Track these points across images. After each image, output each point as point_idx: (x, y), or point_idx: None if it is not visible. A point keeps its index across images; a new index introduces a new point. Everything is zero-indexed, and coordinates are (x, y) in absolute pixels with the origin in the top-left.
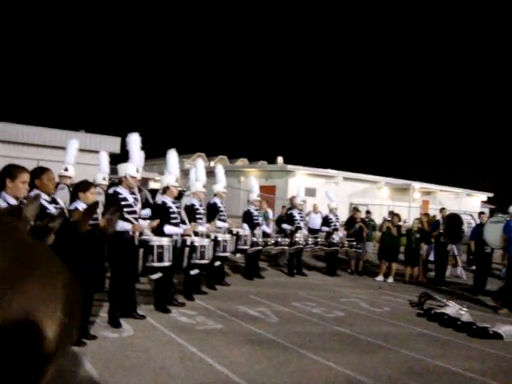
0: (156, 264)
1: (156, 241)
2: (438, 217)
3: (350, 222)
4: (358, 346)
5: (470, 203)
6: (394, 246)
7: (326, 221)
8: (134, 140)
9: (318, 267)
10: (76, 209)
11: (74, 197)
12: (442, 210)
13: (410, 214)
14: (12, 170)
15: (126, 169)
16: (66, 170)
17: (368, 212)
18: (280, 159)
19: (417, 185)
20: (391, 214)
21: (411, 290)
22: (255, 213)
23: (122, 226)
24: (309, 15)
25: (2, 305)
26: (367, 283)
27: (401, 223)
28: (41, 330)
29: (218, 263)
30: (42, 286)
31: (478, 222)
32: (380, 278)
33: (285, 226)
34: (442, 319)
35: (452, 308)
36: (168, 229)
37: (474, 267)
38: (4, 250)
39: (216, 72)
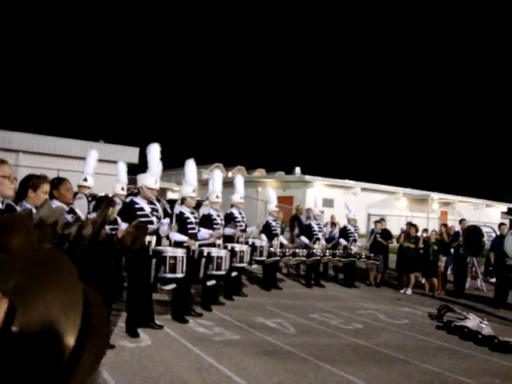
0: (169, 275)
1: (169, 252)
2: (458, 228)
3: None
4: (377, 358)
5: (489, 214)
6: (412, 257)
7: (344, 232)
8: (154, 151)
9: (335, 278)
10: None
11: (95, 209)
12: (462, 221)
13: (428, 225)
14: (34, 181)
15: (143, 180)
16: (85, 180)
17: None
18: (298, 170)
19: (435, 195)
20: (408, 224)
21: (430, 303)
22: (273, 223)
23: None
24: (328, 22)
25: (24, 315)
26: (385, 295)
27: (419, 234)
28: (62, 340)
29: (234, 274)
30: (62, 297)
31: (498, 233)
32: (408, 290)
33: (303, 238)
34: (462, 332)
35: (472, 321)
36: (176, 236)
37: (492, 279)
38: (25, 260)
39: (235, 83)
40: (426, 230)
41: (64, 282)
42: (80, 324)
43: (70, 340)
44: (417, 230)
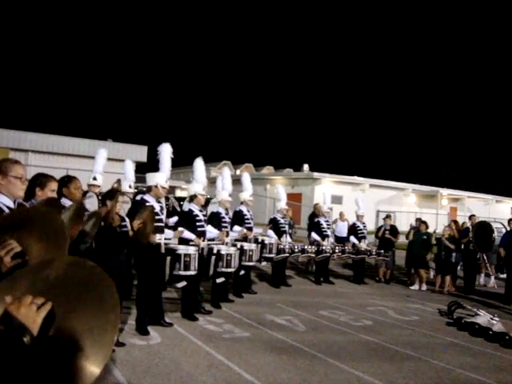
0: (182, 272)
1: (183, 249)
2: (468, 224)
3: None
4: (387, 355)
5: (499, 210)
6: (421, 253)
7: (353, 229)
8: (166, 150)
9: (345, 275)
10: None
11: (103, 204)
12: (472, 216)
13: (437, 222)
14: (41, 179)
15: (157, 178)
16: (94, 178)
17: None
18: (306, 167)
19: (444, 191)
20: (418, 221)
21: (440, 299)
22: (282, 220)
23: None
24: (336, 19)
25: (61, 327)
26: (394, 291)
27: (429, 230)
28: (94, 358)
29: (242, 272)
30: (101, 316)
31: (509, 228)
32: (423, 286)
33: (313, 234)
34: (472, 329)
35: (483, 317)
36: (185, 234)
37: (502, 275)
38: (66, 273)
39: (242, 81)
40: (448, 227)
41: (104, 303)
42: (114, 342)
43: (103, 359)
44: (427, 227)
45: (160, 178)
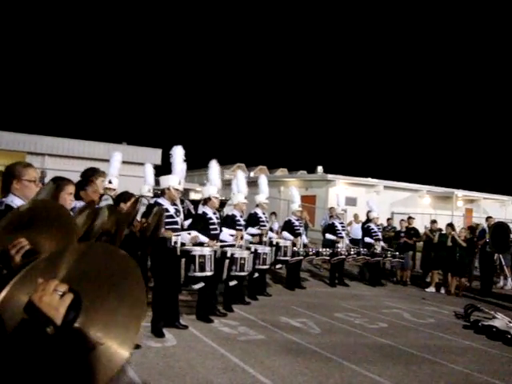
0: (198, 274)
1: (198, 250)
2: (484, 225)
3: (397, 235)
4: (403, 358)
5: None
6: (438, 255)
7: (367, 231)
8: (178, 153)
9: (359, 277)
10: None
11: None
12: (489, 218)
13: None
14: (58, 182)
15: (169, 181)
16: (109, 182)
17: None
18: (320, 168)
19: (460, 193)
20: (433, 222)
21: (456, 302)
22: (296, 223)
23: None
24: (344, 20)
25: (87, 317)
26: (410, 294)
27: (455, 233)
28: (117, 351)
29: (256, 275)
30: (127, 309)
31: None
32: (432, 289)
33: (328, 235)
34: (490, 332)
35: (501, 320)
36: (199, 237)
37: None
38: (100, 261)
39: (256, 84)
40: (464, 229)
41: (132, 296)
42: (136, 338)
43: (125, 353)
44: (453, 229)
45: (172, 181)
